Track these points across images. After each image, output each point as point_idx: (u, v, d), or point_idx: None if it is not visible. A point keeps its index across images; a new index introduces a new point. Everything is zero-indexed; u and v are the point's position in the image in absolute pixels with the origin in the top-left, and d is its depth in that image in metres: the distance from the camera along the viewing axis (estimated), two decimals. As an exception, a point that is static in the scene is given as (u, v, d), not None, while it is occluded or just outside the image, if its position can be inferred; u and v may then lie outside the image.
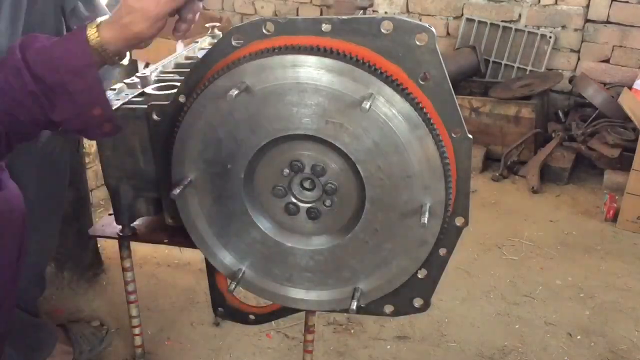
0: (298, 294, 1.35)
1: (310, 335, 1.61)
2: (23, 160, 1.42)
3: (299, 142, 1.19)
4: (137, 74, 1.50)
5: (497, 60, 3.96)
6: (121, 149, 1.41)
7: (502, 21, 3.89)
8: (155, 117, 1.32)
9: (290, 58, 1.10)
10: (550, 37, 3.75)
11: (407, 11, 4.15)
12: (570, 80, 3.70)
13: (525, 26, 3.85)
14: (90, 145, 2.43)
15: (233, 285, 1.33)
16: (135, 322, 1.74)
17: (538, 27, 3.82)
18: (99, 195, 2.69)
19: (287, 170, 1.23)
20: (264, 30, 1.16)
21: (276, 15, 4.58)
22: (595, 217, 2.96)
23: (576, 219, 2.95)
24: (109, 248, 2.37)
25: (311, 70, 1.10)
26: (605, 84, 3.62)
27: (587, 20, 3.68)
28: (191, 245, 1.38)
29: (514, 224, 2.87)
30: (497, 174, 3.36)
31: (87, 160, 2.41)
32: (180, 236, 1.44)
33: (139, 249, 2.28)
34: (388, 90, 1.09)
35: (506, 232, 2.78)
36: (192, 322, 2.09)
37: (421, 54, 1.12)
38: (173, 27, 1.17)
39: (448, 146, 1.17)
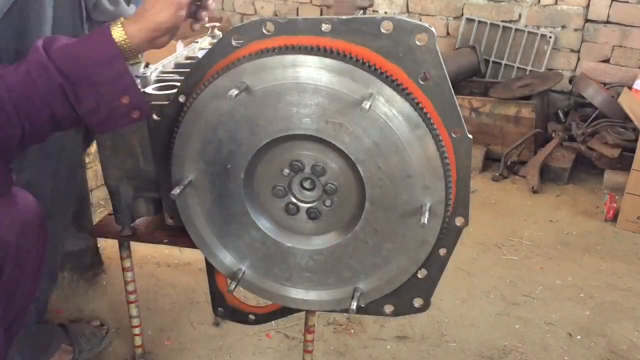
0: (298, 294, 1.35)
1: (310, 335, 1.61)
2: (37, 151, 1.43)
3: (299, 142, 1.19)
4: (137, 74, 1.49)
5: (497, 60, 3.96)
6: (121, 149, 1.41)
7: (502, 21, 3.89)
8: (155, 117, 1.32)
9: (290, 58, 1.10)
10: (550, 37, 3.75)
11: (407, 11, 4.14)
12: (570, 80, 3.70)
13: (525, 26, 3.85)
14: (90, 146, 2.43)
15: (233, 285, 1.33)
16: (135, 322, 1.74)
17: (538, 27, 3.82)
18: (99, 195, 2.68)
19: (287, 170, 1.23)
20: (264, 30, 1.16)
21: (276, 15, 4.57)
22: (595, 217, 2.96)
23: (576, 219, 2.95)
24: (109, 248, 2.37)
25: (311, 70, 1.10)
26: (605, 84, 3.62)
27: (587, 20, 3.68)
28: (191, 245, 1.39)
29: (514, 223, 2.87)
30: (497, 174, 3.36)
31: (87, 160, 2.41)
32: (180, 236, 1.45)
33: (139, 249, 2.28)
34: (388, 90, 1.09)
35: (506, 232, 2.78)
36: (192, 322, 2.08)
37: (421, 54, 1.12)
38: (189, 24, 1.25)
39: (448, 146, 1.17)
